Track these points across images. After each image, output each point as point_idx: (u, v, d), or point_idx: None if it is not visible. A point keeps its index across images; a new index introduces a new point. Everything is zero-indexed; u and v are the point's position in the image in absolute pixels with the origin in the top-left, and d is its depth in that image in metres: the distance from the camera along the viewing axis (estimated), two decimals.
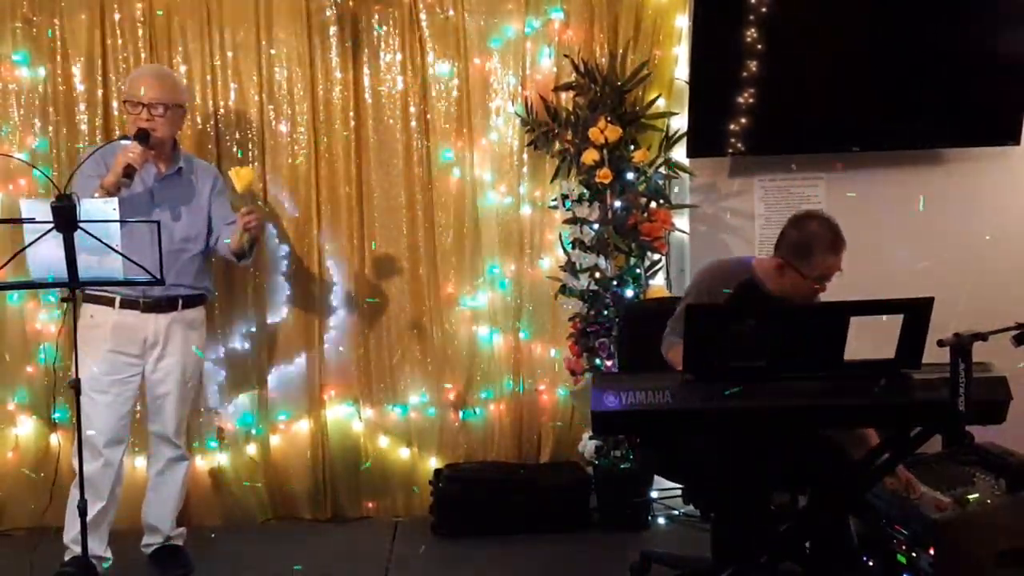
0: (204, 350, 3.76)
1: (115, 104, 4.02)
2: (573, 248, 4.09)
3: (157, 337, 3.50)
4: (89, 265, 2.82)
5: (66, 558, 3.46)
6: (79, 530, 2.98)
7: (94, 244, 2.77)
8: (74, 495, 3.24)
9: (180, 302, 3.54)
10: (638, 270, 4.09)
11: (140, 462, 3.99)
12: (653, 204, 4.07)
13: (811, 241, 2.99)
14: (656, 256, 4.14)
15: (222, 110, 4.10)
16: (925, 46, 3.89)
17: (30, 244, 2.79)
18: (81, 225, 2.73)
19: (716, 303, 2.99)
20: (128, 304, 3.46)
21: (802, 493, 3.17)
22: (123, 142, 3.40)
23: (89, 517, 3.02)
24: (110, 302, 3.44)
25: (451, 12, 4.14)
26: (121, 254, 2.83)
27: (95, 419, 3.35)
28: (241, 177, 3.44)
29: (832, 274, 3.03)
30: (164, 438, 3.63)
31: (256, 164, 4.10)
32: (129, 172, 3.28)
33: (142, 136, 3.36)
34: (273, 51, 4.09)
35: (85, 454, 2.98)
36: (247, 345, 4.17)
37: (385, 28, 4.14)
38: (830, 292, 3.58)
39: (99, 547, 3.46)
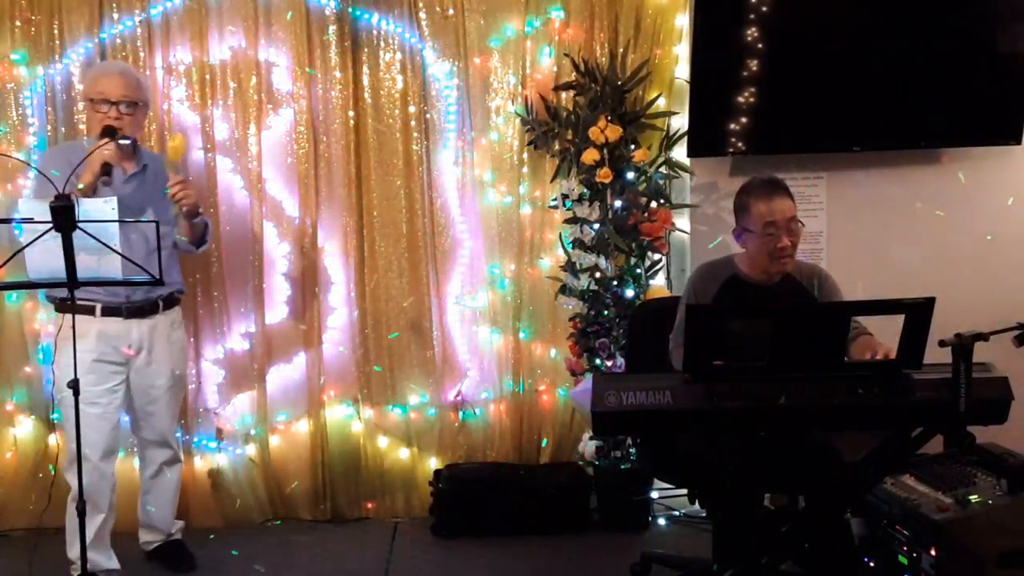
0: (190, 348, 3.72)
1: None
2: (573, 248, 4.08)
3: (141, 344, 3.45)
4: (88, 265, 2.81)
5: (74, 575, 3.40)
6: (80, 546, 2.89)
7: (93, 244, 2.76)
8: (72, 511, 3.18)
9: (161, 304, 3.49)
10: (638, 270, 4.08)
11: (129, 462, 3.95)
12: (653, 204, 4.07)
13: (745, 197, 3.13)
14: (656, 256, 4.13)
15: (221, 109, 4.09)
16: (926, 45, 3.88)
17: (29, 244, 2.78)
18: (80, 225, 2.72)
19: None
20: (110, 311, 3.37)
21: (800, 495, 3.17)
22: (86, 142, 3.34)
23: (91, 531, 2.95)
24: (90, 310, 3.33)
25: (451, 11, 4.13)
26: (121, 254, 2.81)
27: (88, 432, 3.11)
28: (175, 146, 3.36)
29: (779, 220, 3.04)
30: (158, 442, 3.60)
31: (255, 164, 4.09)
32: (107, 170, 3.23)
33: (109, 132, 3.28)
34: (272, 50, 4.09)
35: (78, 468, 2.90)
36: (246, 345, 4.16)
37: (384, 27, 4.13)
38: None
39: (106, 559, 3.44)
